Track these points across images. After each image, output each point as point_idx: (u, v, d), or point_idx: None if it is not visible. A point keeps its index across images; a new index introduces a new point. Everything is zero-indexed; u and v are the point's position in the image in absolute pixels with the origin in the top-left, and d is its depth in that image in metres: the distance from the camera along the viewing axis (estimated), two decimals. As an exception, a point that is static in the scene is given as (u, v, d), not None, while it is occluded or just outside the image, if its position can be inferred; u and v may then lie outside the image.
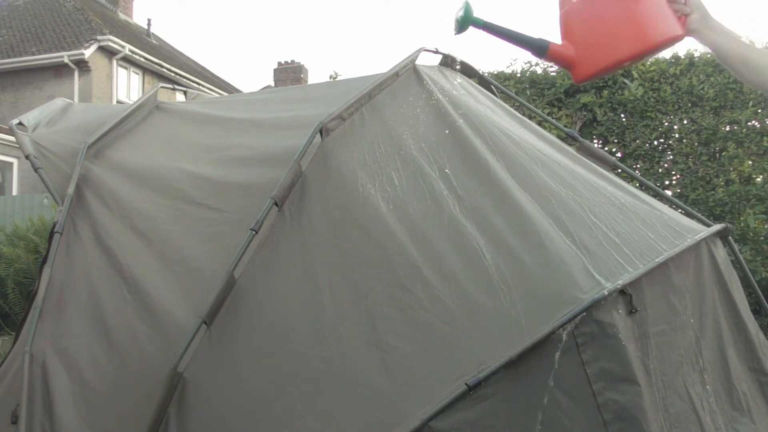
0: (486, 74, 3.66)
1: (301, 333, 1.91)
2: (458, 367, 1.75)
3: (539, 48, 1.50)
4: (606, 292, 1.78)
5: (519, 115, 2.97)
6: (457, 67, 2.99)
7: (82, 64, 14.66)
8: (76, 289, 2.19)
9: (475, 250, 1.97)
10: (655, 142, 6.34)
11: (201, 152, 2.55)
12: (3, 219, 8.30)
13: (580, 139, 3.10)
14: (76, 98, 13.95)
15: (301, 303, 1.97)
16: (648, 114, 6.18)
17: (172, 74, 16.82)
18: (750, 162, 6.01)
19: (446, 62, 2.95)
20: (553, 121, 3.88)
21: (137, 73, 16.42)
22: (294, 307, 1.98)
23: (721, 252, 2.55)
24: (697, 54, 6.20)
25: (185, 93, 3.95)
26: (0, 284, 6.68)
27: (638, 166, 6.27)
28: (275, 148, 2.35)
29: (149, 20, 19.84)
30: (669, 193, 6.07)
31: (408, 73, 2.63)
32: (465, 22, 1.48)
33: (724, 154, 6.04)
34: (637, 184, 3.79)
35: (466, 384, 1.68)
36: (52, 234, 2.28)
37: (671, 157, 6.27)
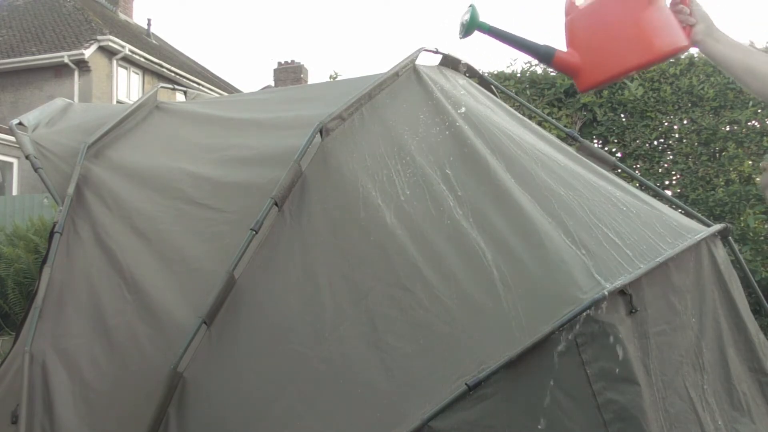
0: (486, 74, 3.66)
1: (301, 333, 1.91)
2: (458, 367, 1.75)
3: (545, 55, 1.50)
4: (606, 293, 1.78)
5: (519, 115, 2.97)
6: (464, 70, 2.99)
7: (82, 64, 14.66)
8: (76, 289, 2.19)
9: (475, 250, 1.97)
10: (655, 142, 6.34)
11: (201, 152, 2.55)
12: (3, 219, 8.30)
13: (580, 139, 3.10)
14: (76, 98, 13.95)
15: (301, 303, 1.97)
16: (648, 114, 6.18)
17: (172, 74, 16.82)
18: (750, 162, 6.00)
19: (447, 62, 2.95)
20: (553, 121, 3.88)
21: (137, 73, 16.42)
22: (294, 307, 1.98)
23: (721, 252, 2.55)
24: (696, 54, 6.20)
25: (185, 93, 3.95)
26: (0, 284, 6.68)
27: (638, 166, 6.26)
28: (275, 148, 2.35)
29: (149, 20, 19.85)
30: (669, 193, 6.07)
31: (408, 73, 2.63)
32: (471, 26, 1.47)
33: (724, 154, 6.04)
34: (637, 184, 3.78)
35: (466, 384, 1.68)
36: (52, 234, 2.28)
37: (671, 157, 6.27)
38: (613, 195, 2.39)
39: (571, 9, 1.52)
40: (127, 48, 15.45)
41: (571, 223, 2.06)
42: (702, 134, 6.04)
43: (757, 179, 5.75)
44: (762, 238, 5.72)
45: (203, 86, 17.59)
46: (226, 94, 16.60)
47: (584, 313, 1.75)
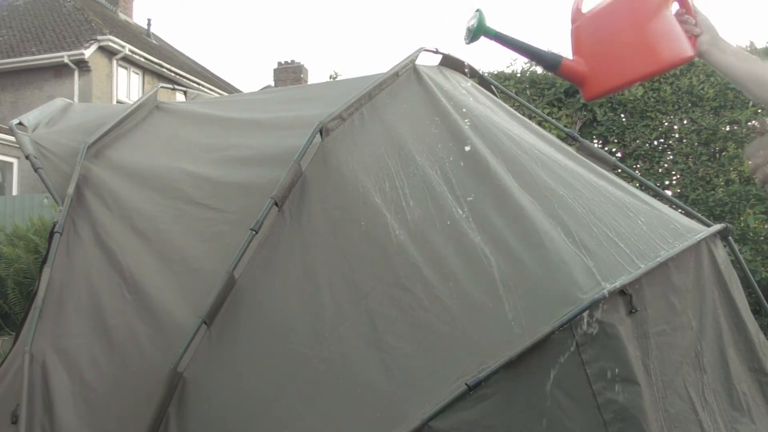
0: (486, 74, 3.66)
1: (301, 333, 1.91)
2: (458, 367, 1.74)
3: (552, 62, 1.49)
4: (606, 293, 1.77)
5: (519, 115, 2.97)
6: (466, 70, 2.98)
7: (82, 64, 14.66)
8: (76, 289, 2.19)
9: (475, 250, 1.97)
10: (655, 142, 6.34)
11: (201, 152, 2.55)
12: (3, 219, 8.30)
13: (580, 139, 3.11)
14: (76, 98, 13.95)
15: (301, 303, 1.97)
16: (648, 114, 6.19)
17: (172, 74, 16.82)
18: (750, 162, 6.00)
19: (447, 62, 2.95)
20: (553, 121, 3.88)
21: (137, 73, 16.42)
22: (294, 307, 1.98)
23: (721, 252, 2.55)
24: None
25: (185, 93, 3.95)
26: (0, 284, 6.68)
27: (638, 166, 6.27)
28: (275, 148, 2.35)
29: (149, 20, 19.85)
30: (669, 193, 6.07)
31: (408, 73, 2.63)
32: (477, 31, 1.46)
33: (724, 154, 6.05)
34: (637, 184, 3.78)
35: (466, 384, 1.68)
36: (52, 234, 2.28)
37: (671, 157, 6.27)
38: (613, 195, 2.39)
39: (577, 16, 1.51)
40: (127, 48, 15.45)
41: (571, 223, 2.06)
42: (702, 134, 6.04)
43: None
44: (762, 238, 5.72)
45: (203, 86, 17.58)
46: (226, 94, 16.60)
47: (584, 313, 1.75)
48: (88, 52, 14.58)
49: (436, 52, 2.87)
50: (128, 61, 15.92)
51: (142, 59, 16.05)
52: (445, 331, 1.84)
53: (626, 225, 2.19)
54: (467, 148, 2.29)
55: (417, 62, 2.69)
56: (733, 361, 2.35)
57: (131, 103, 3.08)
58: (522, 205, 2.09)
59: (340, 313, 1.91)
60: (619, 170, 3.07)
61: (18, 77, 14.99)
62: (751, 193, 5.72)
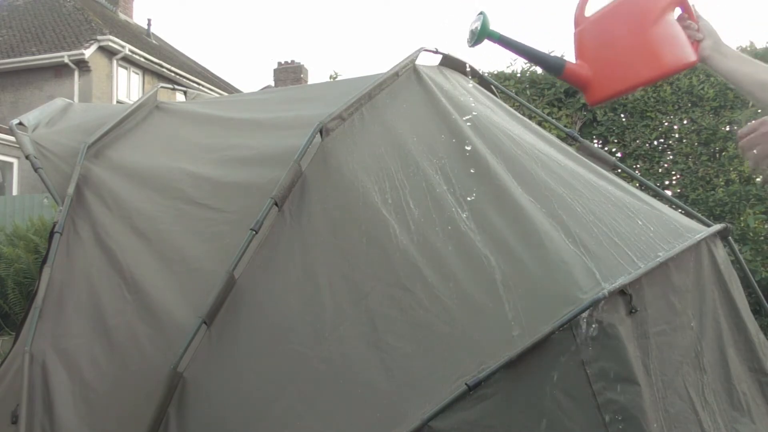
0: (486, 74, 3.66)
1: (301, 333, 1.91)
2: (458, 367, 1.74)
3: (556, 66, 1.49)
4: (606, 293, 1.77)
5: (519, 115, 2.97)
6: (468, 69, 2.98)
7: (82, 64, 14.66)
8: (76, 289, 2.19)
9: (475, 250, 1.97)
10: (655, 142, 6.35)
11: (201, 152, 2.55)
12: (3, 219, 8.30)
13: (580, 139, 3.11)
14: (76, 98, 13.95)
15: (301, 303, 1.97)
16: (648, 114, 6.19)
17: (172, 74, 16.82)
18: (750, 162, 6.00)
19: (447, 62, 2.94)
20: (553, 121, 3.88)
21: (137, 73, 16.42)
22: (294, 307, 1.98)
23: (721, 252, 2.55)
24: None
25: (185, 93, 3.95)
26: (0, 284, 6.68)
27: (638, 166, 6.27)
28: (275, 148, 2.35)
29: (149, 20, 19.86)
30: (669, 193, 6.07)
31: (408, 73, 2.63)
32: (481, 34, 1.45)
33: (724, 154, 6.05)
34: (637, 184, 3.78)
35: (466, 384, 1.68)
36: (52, 234, 2.28)
37: (671, 157, 6.28)
38: (613, 195, 2.39)
39: (580, 20, 1.51)
40: (127, 48, 15.45)
41: (571, 223, 2.06)
42: (702, 134, 6.05)
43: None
44: (762, 238, 5.72)
45: (203, 86, 17.58)
46: (226, 94, 16.60)
47: (584, 313, 1.75)
48: (88, 52, 14.58)
49: (436, 52, 2.87)
50: (128, 61, 15.92)
51: (142, 59, 16.05)
52: (445, 331, 1.84)
53: (626, 225, 2.19)
54: (467, 148, 2.29)
55: (417, 62, 2.69)
56: (733, 361, 2.35)
57: (131, 103, 3.08)
58: (522, 205, 2.09)
59: (340, 313, 1.91)
60: (619, 170, 3.07)
61: (18, 77, 14.99)
62: (751, 193, 5.72)
